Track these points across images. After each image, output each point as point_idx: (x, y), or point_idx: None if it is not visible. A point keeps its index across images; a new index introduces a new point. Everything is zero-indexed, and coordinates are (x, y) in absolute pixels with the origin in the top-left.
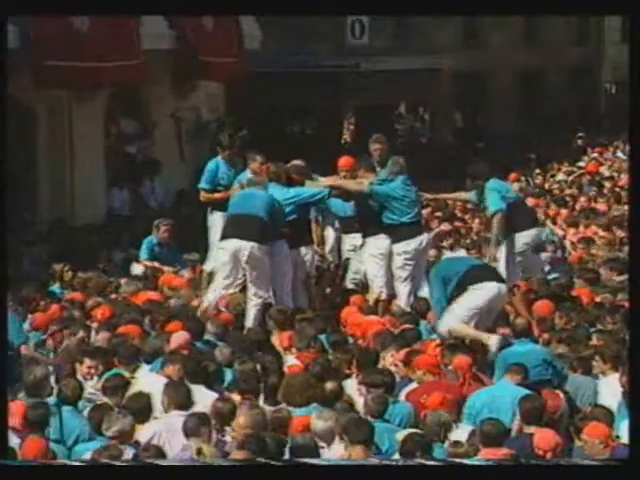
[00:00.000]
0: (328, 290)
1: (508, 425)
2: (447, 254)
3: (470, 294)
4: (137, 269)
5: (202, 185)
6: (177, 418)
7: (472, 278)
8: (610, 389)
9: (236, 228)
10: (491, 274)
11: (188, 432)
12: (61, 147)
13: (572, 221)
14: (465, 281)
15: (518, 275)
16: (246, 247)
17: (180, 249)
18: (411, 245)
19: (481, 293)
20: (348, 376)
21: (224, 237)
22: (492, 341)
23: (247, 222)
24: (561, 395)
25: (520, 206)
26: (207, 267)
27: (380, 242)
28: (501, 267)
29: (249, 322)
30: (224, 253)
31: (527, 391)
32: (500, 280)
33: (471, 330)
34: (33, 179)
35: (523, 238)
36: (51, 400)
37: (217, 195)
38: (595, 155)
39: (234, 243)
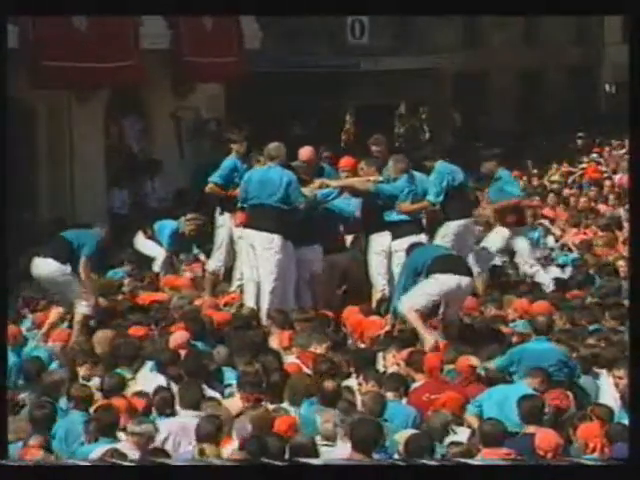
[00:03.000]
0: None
1: (514, 426)
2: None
3: (428, 282)
4: (159, 255)
5: (214, 179)
6: (190, 418)
7: (434, 267)
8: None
9: (255, 220)
10: (454, 266)
11: (201, 437)
12: (61, 147)
13: (574, 221)
14: (428, 270)
15: None
16: (263, 237)
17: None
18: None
19: (436, 283)
20: (349, 376)
21: (245, 227)
22: (428, 341)
23: (265, 213)
24: (570, 396)
25: (459, 194)
26: (210, 267)
27: (383, 239)
28: None
29: (249, 302)
30: (242, 243)
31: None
32: (463, 273)
33: (419, 323)
34: (33, 179)
35: (452, 228)
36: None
37: (225, 192)
38: (595, 155)
39: (251, 235)
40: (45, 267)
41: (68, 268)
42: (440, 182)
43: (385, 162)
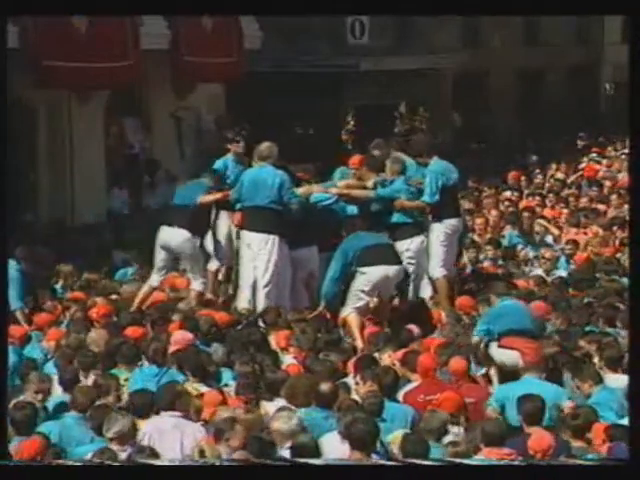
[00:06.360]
0: None
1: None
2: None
3: (356, 278)
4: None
5: None
6: (166, 419)
7: (362, 259)
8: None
9: (250, 221)
10: (382, 256)
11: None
12: (61, 147)
13: (573, 221)
14: (357, 262)
15: (439, 265)
16: (260, 238)
17: None
18: (414, 244)
19: (365, 277)
20: (345, 376)
21: (242, 229)
22: (359, 348)
23: (260, 215)
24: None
25: (450, 193)
26: (212, 267)
27: None
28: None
29: (245, 302)
30: (242, 246)
31: (559, 388)
32: (391, 262)
33: (356, 329)
34: (33, 179)
35: (445, 227)
36: (55, 402)
37: (218, 195)
38: (595, 155)
39: (248, 235)
40: (176, 237)
41: (198, 241)
42: (435, 182)
43: (384, 165)
